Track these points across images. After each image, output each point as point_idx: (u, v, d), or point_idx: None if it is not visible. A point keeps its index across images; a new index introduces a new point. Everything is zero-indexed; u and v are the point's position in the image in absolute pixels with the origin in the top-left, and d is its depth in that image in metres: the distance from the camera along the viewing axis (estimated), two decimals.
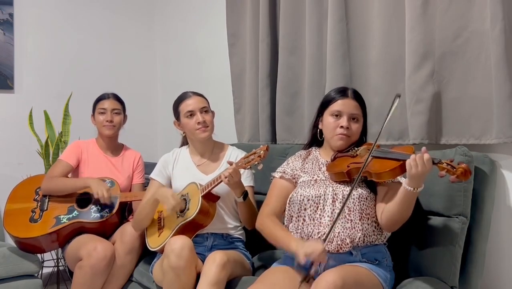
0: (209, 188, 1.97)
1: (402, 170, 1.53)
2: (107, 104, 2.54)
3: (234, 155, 2.22)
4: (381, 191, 1.71)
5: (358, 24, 2.20)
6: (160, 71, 3.89)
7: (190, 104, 2.12)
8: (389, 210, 1.62)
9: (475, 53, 1.80)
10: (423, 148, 1.50)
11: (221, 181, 1.93)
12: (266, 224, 1.82)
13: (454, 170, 1.44)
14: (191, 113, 2.11)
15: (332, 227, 1.58)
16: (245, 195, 1.98)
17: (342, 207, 1.59)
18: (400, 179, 1.66)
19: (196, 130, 2.11)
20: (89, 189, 2.37)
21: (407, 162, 1.49)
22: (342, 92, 1.84)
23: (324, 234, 1.65)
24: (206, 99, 2.20)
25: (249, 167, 1.90)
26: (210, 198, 2.01)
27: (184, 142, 2.32)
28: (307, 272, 1.55)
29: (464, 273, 1.72)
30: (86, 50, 3.54)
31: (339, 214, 1.58)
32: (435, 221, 1.74)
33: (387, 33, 2.06)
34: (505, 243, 1.82)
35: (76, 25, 3.51)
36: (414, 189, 1.51)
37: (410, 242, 1.80)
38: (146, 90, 3.86)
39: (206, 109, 2.14)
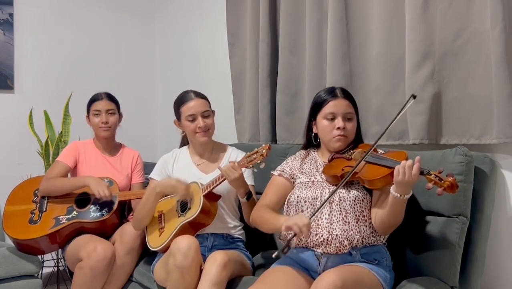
0: (211, 188, 1.98)
1: (393, 177, 1.52)
2: (100, 105, 2.52)
3: (234, 155, 2.23)
4: (375, 195, 1.71)
5: (358, 24, 2.20)
6: (160, 71, 3.89)
7: (191, 107, 2.12)
8: (380, 214, 1.63)
9: (476, 53, 1.80)
10: (417, 157, 1.50)
11: (222, 180, 1.94)
12: (258, 213, 1.85)
13: (442, 182, 1.44)
14: (193, 118, 2.12)
15: (319, 207, 1.61)
16: (248, 195, 1.99)
17: (324, 203, 1.63)
18: None
19: (196, 133, 2.13)
20: (88, 188, 2.36)
21: (395, 168, 1.49)
22: (331, 92, 1.82)
23: (321, 235, 1.66)
24: (208, 100, 2.20)
25: (251, 165, 1.91)
26: (211, 197, 2.01)
27: (184, 142, 2.32)
28: (287, 243, 1.54)
29: (464, 273, 1.72)
30: (86, 50, 3.54)
31: (325, 201, 1.63)
32: (435, 221, 1.74)
33: (387, 33, 2.06)
34: (505, 243, 1.82)
35: (76, 25, 3.51)
36: (401, 195, 1.52)
37: (410, 242, 1.80)
38: (146, 90, 3.86)
39: (207, 114, 2.15)
